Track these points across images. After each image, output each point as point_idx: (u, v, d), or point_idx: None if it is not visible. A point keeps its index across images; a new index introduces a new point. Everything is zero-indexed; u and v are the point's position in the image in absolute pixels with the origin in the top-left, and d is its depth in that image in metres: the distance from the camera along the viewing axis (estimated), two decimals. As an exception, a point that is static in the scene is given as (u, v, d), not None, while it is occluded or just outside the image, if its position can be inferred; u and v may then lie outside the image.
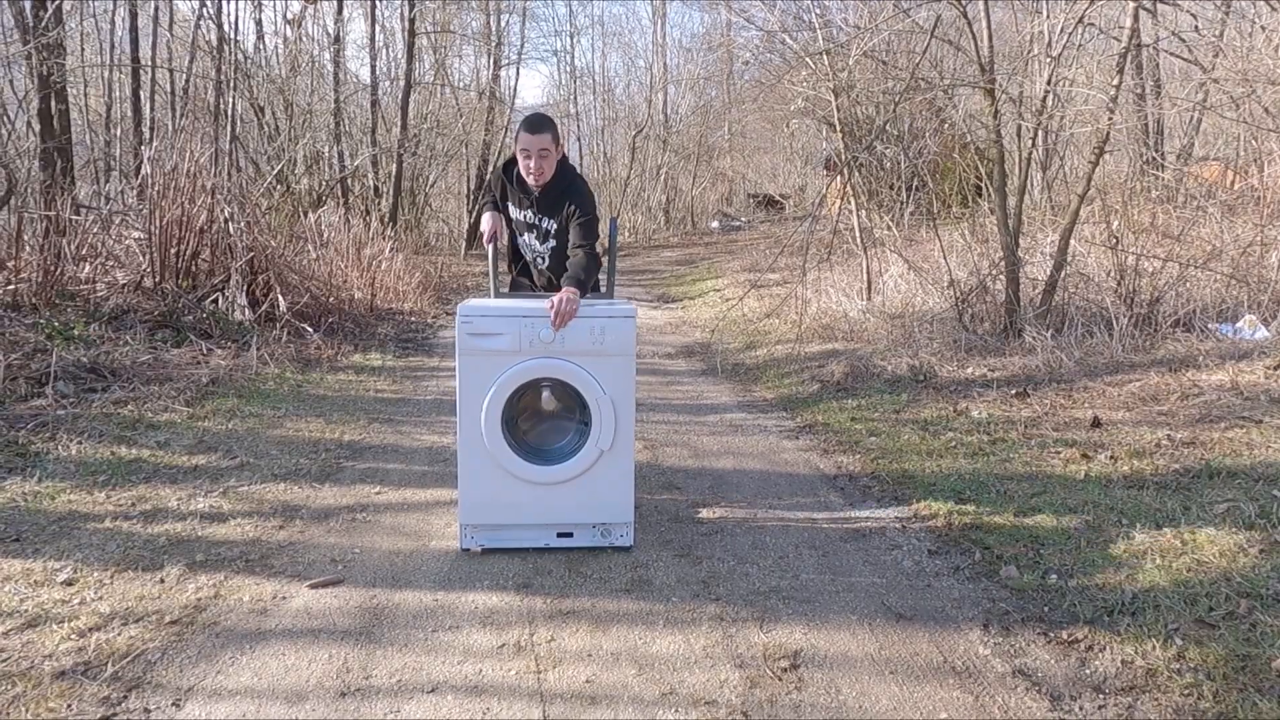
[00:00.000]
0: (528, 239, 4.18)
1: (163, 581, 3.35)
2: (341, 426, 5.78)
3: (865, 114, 14.57)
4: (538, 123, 3.91)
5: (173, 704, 2.55)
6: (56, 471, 4.55)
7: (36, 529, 3.83)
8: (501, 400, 3.57)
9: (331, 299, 9.92)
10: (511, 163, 4.04)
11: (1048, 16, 9.96)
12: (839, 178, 12.53)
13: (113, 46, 17.42)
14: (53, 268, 7.63)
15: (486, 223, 4.08)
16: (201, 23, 15.89)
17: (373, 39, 21.12)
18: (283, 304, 8.73)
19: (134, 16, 15.29)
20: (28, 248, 7.95)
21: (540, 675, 2.73)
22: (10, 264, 7.63)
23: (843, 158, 11.92)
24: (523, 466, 3.63)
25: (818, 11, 12.89)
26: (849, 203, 11.55)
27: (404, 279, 12.68)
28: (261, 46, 20.84)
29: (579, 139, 35.65)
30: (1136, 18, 7.43)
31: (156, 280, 8.18)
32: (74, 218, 8.80)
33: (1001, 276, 7.79)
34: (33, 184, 11.06)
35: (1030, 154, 8.86)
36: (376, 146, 20.21)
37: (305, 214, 13.12)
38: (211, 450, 5.10)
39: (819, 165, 23.54)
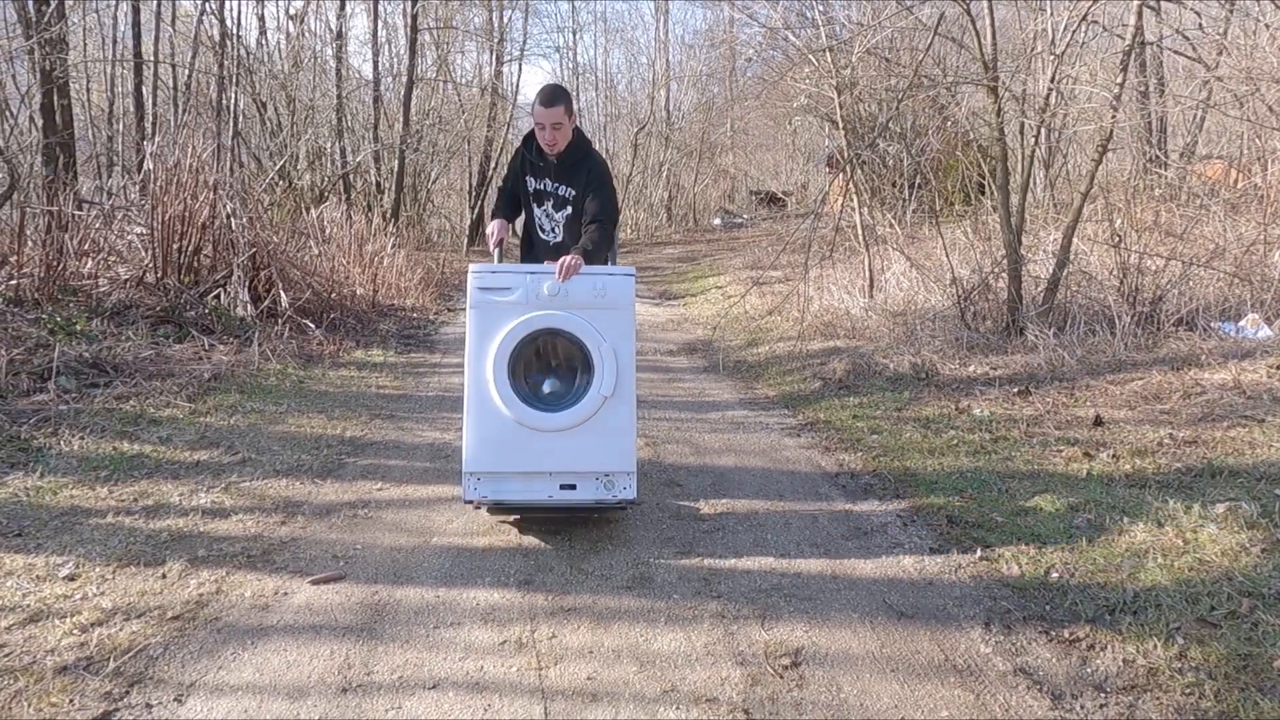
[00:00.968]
0: (547, 209, 4.33)
1: (165, 577, 3.36)
2: (343, 422, 5.79)
3: (868, 111, 14.57)
4: (550, 96, 4.15)
5: (175, 699, 2.56)
6: (59, 467, 4.56)
7: (39, 524, 3.84)
8: (509, 349, 3.70)
9: (333, 295, 9.92)
10: (532, 135, 4.29)
11: (1051, 14, 9.94)
12: (841, 175, 12.52)
13: (115, 41, 17.44)
14: (55, 263, 7.63)
15: (494, 230, 4.34)
16: (204, 18, 15.89)
17: (375, 35, 21.13)
18: (285, 300, 8.74)
19: (136, 12, 15.29)
20: (30, 243, 7.95)
21: (541, 672, 2.73)
22: (13, 259, 7.63)
23: (845, 155, 11.91)
24: (527, 412, 3.71)
25: (821, 8, 12.88)
26: (851, 200, 11.54)
27: (406, 275, 12.69)
28: (264, 42, 20.83)
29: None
30: (1140, 15, 7.42)
31: (159, 275, 8.18)
32: (76, 213, 8.79)
33: (1004, 274, 7.78)
34: (35, 179, 11.07)
35: (1033, 152, 8.85)
36: (379, 142, 20.22)
37: (307, 210, 13.13)
38: (213, 446, 5.10)
39: (821, 162, 23.53)
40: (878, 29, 10.01)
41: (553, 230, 4.33)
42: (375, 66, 21.03)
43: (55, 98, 11.51)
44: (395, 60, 24.33)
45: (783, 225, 21.40)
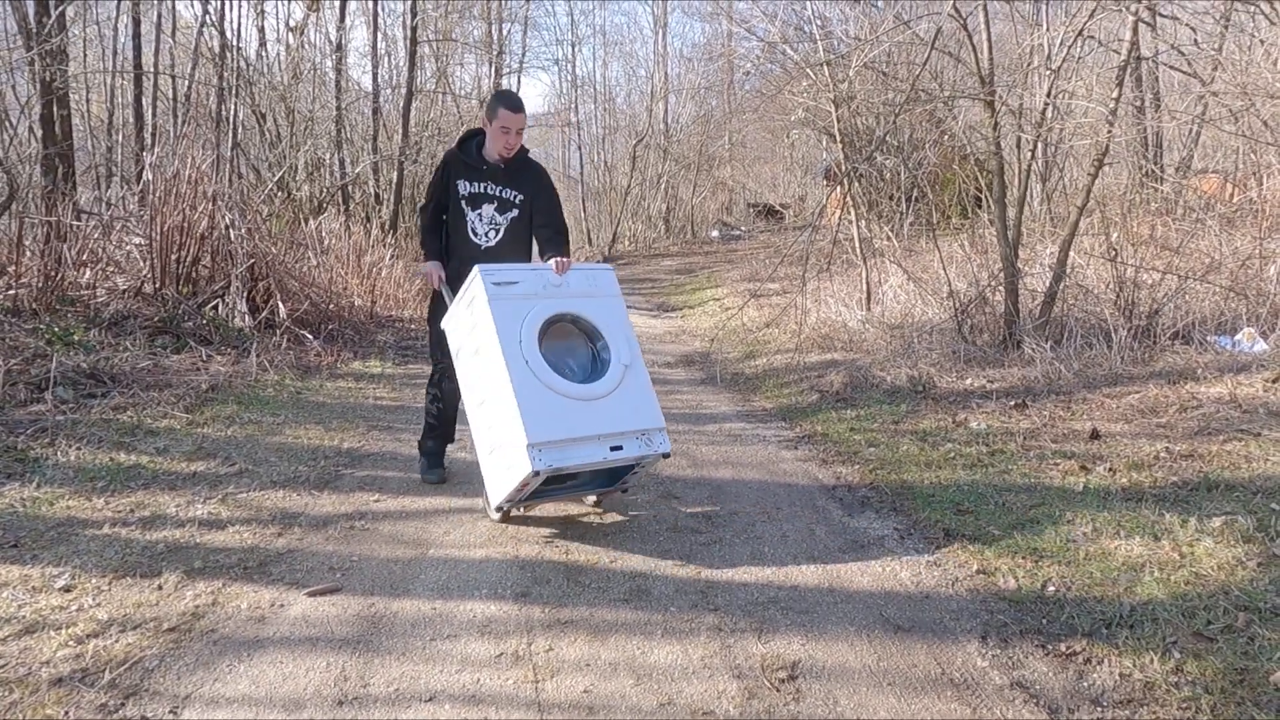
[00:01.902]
0: (484, 212, 4.39)
1: (161, 588, 3.35)
2: (340, 434, 5.79)
3: (865, 125, 14.63)
4: (519, 102, 4.35)
5: (170, 712, 2.55)
6: (55, 477, 4.55)
7: (35, 535, 3.83)
8: (534, 332, 3.94)
9: (331, 306, 9.93)
10: (469, 139, 4.43)
11: (1047, 29, 10.00)
12: (839, 188, 12.56)
13: (115, 52, 17.48)
14: (53, 273, 7.63)
15: (431, 270, 4.50)
16: (204, 30, 15.93)
17: (375, 47, 21.17)
18: (283, 311, 8.74)
19: (137, 23, 15.34)
20: (28, 253, 7.95)
21: (538, 685, 2.72)
22: (11, 269, 7.63)
23: (843, 168, 11.95)
24: (568, 385, 3.96)
25: (818, 23, 12.95)
26: (849, 213, 11.58)
27: (404, 286, 12.70)
28: (264, 53, 20.87)
29: (580, 147, 35.75)
30: (1136, 31, 7.46)
31: (157, 286, 8.18)
32: (75, 223, 8.80)
33: (1001, 288, 7.80)
34: (34, 189, 11.07)
35: (1030, 166, 8.88)
36: (378, 154, 20.24)
37: (306, 221, 13.12)
38: (210, 457, 5.10)
39: (819, 175, 23.60)
40: (875, 43, 10.05)
41: (487, 235, 4.39)
42: (375, 78, 21.09)
43: (55, 108, 11.53)
44: (394, 72, 24.39)
45: (780, 238, 21.46)
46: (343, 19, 20.37)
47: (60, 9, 11.74)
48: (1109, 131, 7.40)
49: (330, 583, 3.46)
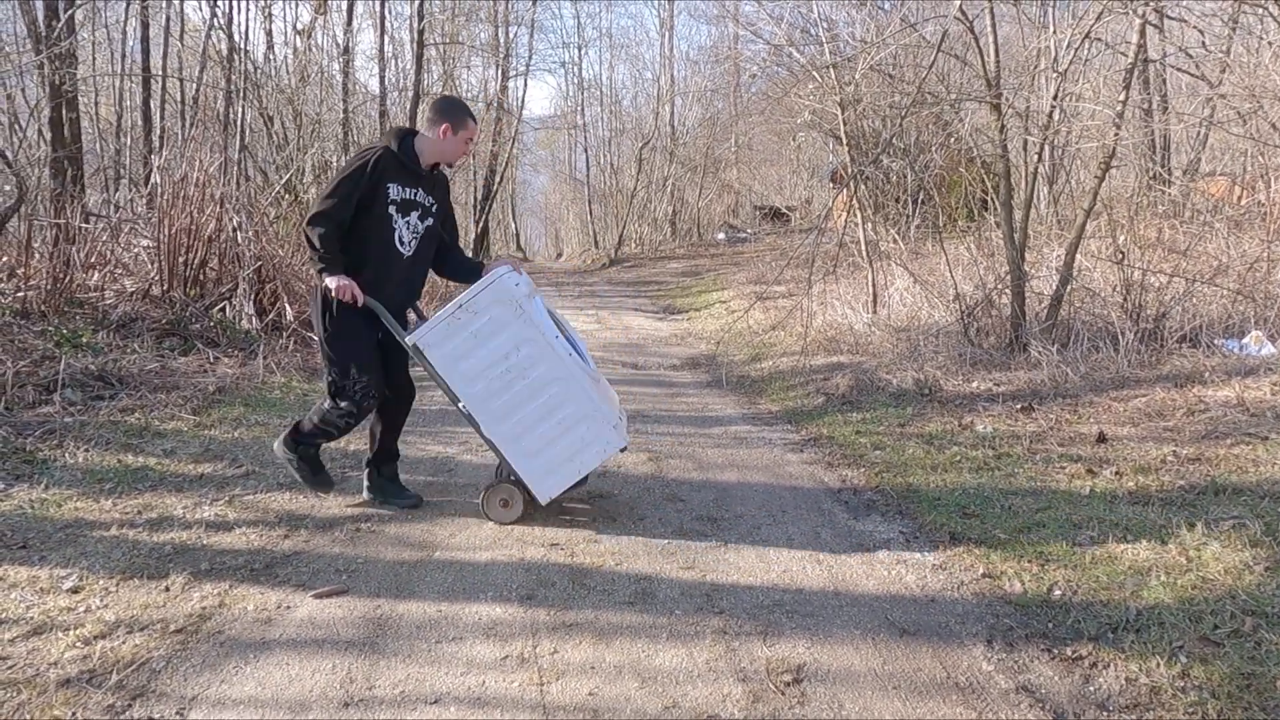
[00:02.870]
0: (411, 219, 4.20)
1: (168, 590, 3.36)
2: (346, 436, 5.79)
3: (872, 127, 14.62)
4: (474, 111, 4.32)
5: (177, 713, 2.56)
6: (63, 479, 4.57)
7: (43, 536, 3.85)
8: (554, 324, 4.14)
9: (338, 308, 9.93)
10: (409, 140, 4.18)
11: (1054, 32, 9.99)
12: (845, 190, 12.55)
13: (124, 56, 17.56)
14: (62, 275, 7.67)
15: (349, 285, 4.00)
16: (212, 33, 16.00)
17: (381, 50, 21.23)
18: (290, 313, 8.77)
19: (145, 26, 15.41)
20: (37, 255, 8.00)
21: (543, 687, 2.73)
22: (20, 271, 7.68)
23: (849, 171, 11.95)
24: (597, 372, 4.26)
25: (825, 25, 12.95)
26: (855, 215, 11.57)
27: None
28: (271, 56, 20.97)
29: (586, 150, 35.79)
30: (1143, 33, 7.44)
31: (164, 288, 8.22)
32: (83, 226, 8.84)
33: (1007, 291, 7.79)
34: (43, 192, 11.13)
35: (1036, 168, 8.87)
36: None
37: (313, 223, 13.14)
38: (217, 459, 5.12)
39: (825, 178, 23.59)
40: (881, 46, 10.06)
41: (410, 242, 4.21)
42: (381, 81, 21.14)
43: (64, 111, 11.60)
44: (401, 75, 24.51)
45: (786, 240, 21.46)
46: (350, 22, 20.47)
47: (69, 13, 11.81)
48: (1116, 134, 7.38)
49: (336, 585, 3.47)
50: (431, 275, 4.62)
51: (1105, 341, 7.10)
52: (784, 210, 29.03)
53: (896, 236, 12.85)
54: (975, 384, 6.87)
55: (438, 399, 7.21)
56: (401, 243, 4.17)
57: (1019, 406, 6.12)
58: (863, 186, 13.56)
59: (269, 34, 21.07)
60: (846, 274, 12.01)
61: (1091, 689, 2.70)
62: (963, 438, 5.63)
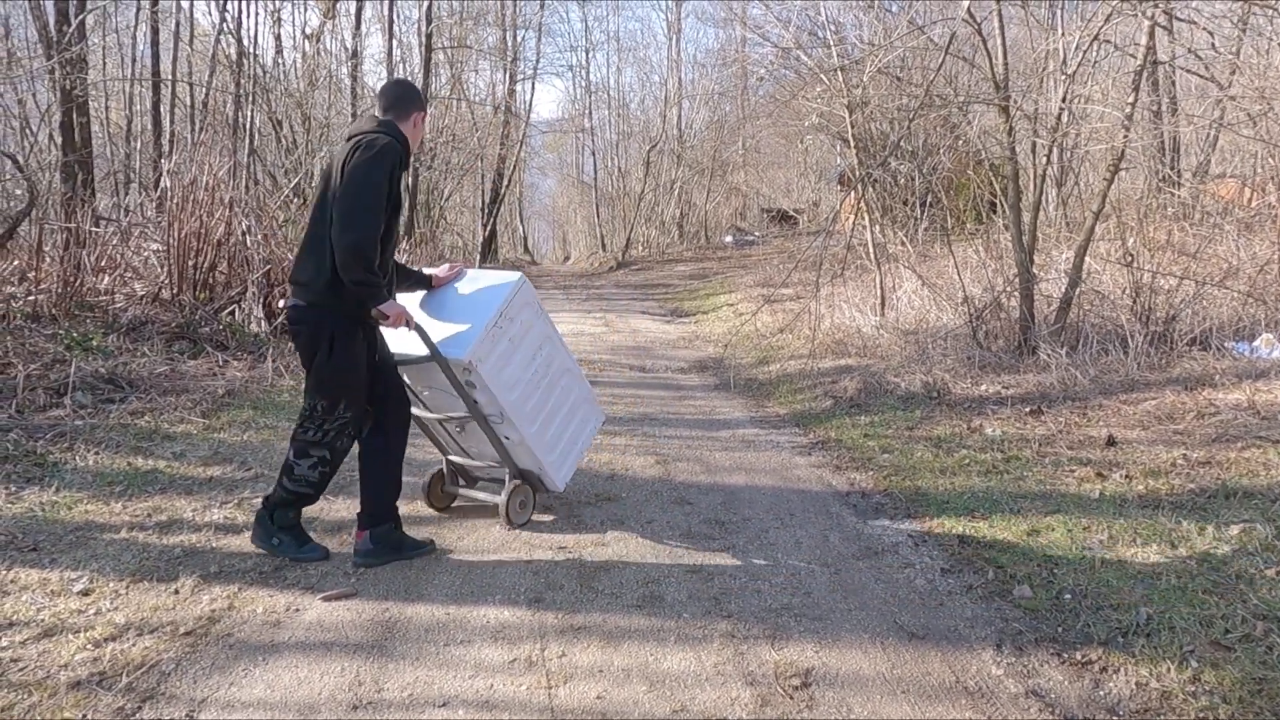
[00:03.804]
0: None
1: (177, 593, 3.38)
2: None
3: (879, 130, 14.59)
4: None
5: (186, 715, 2.57)
6: (74, 481, 4.59)
7: (53, 539, 3.87)
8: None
9: (347, 311, 9.96)
10: (396, 128, 3.69)
11: (1063, 34, 9.97)
12: (853, 193, 12.54)
13: (134, 60, 17.68)
14: (72, 279, 7.71)
15: (404, 312, 3.64)
16: (221, 37, 16.07)
17: (390, 54, 21.32)
18: (298, 316, 8.78)
19: (155, 31, 15.52)
20: (48, 259, 8.05)
21: (551, 691, 2.73)
22: (31, 275, 7.72)
23: (857, 173, 11.93)
24: None
25: (832, 28, 12.93)
26: (863, 218, 11.55)
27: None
28: (280, 61, 21.05)
29: (594, 153, 35.82)
30: (1152, 35, 7.42)
31: (174, 292, 8.25)
32: (94, 230, 8.90)
33: (1016, 293, 7.77)
34: (54, 196, 11.20)
35: (1045, 171, 8.86)
36: (392, 160, 20.31)
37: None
38: (226, 461, 5.13)
39: (833, 180, 23.55)
40: (889, 49, 10.03)
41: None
42: (390, 85, 21.19)
43: (74, 116, 11.67)
44: (410, 79, 24.55)
45: (794, 243, 21.42)
46: (358, 26, 20.54)
47: (80, 18, 11.88)
48: (1125, 136, 7.36)
49: (345, 588, 3.47)
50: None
51: (1115, 344, 7.07)
52: (792, 213, 28.97)
53: (904, 239, 12.83)
54: (984, 387, 6.85)
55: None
56: (395, 244, 3.85)
57: (1028, 409, 6.10)
58: (870, 189, 13.53)
59: (278, 38, 21.15)
60: (854, 277, 11.98)
61: (1102, 694, 2.69)
62: (971, 441, 5.61)
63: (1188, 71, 10.57)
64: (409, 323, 3.65)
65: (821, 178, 27.57)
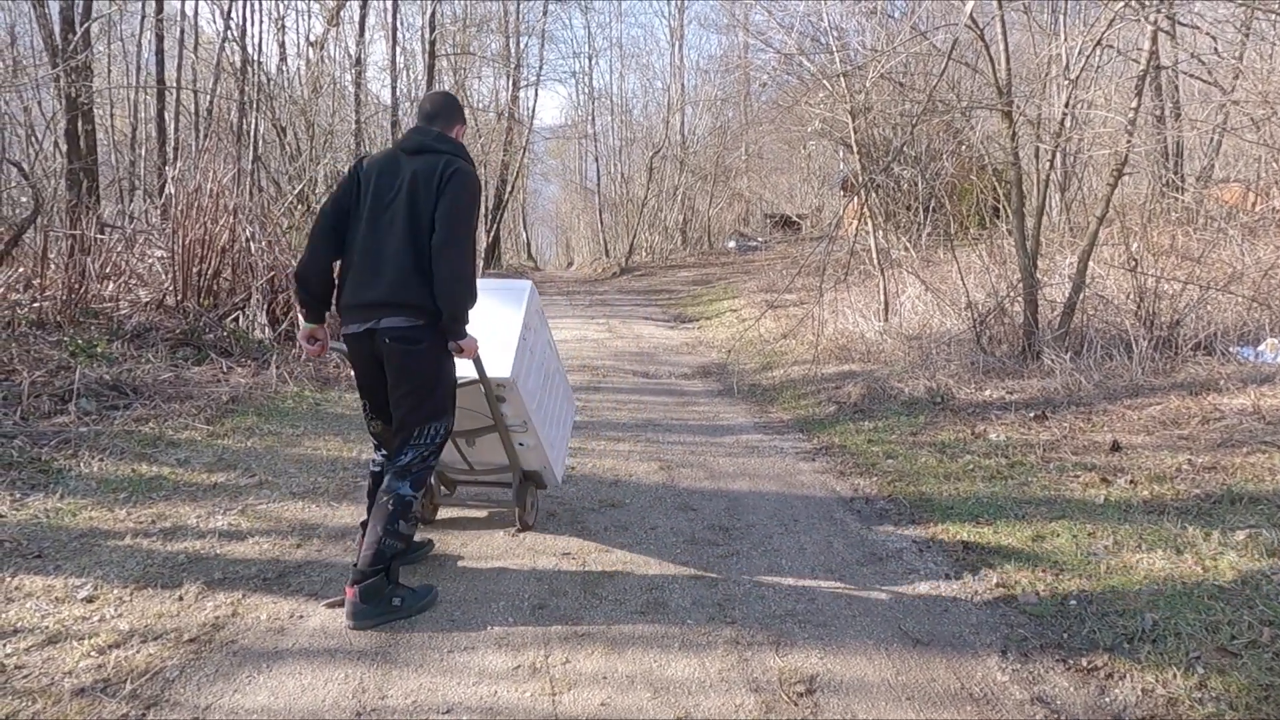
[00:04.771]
0: None
1: (181, 599, 3.38)
2: (359, 445, 5.81)
3: (882, 135, 14.61)
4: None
5: (190, 722, 2.57)
6: (78, 488, 4.60)
7: (58, 546, 3.87)
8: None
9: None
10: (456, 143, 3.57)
11: (1066, 39, 9.95)
12: (856, 198, 12.54)
13: (139, 68, 17.75)
14: (77, 286, 7.73)
15: (474, 345, 3.50)
16: (226, 45, 16.14)
17: (393, 61, 21.35)
18: (302, 323, 8.80)
19: (160, 39, 15.57)
20: (53, 266, 8.07)
21: (555, 697, 2.72)
22: (36, 282, 7.74)
23: (860, 179, 11.94)
24: None
25: (835, 34, 12.96)
26: (866, 223, 11.56)
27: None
28: (284, 68, 21.14)
29: (597, 159, 35.89)
30: (1155, 40, 7.43)
31: (178, 299, 8.27)
32: (98, 237, 8.92)
33: (1019, 298, 7.76)
34: (59, 203, 11.25)
35: (1048, 176, 8.84)
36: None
37: (325, 233, 13.21)
38: (230, 468, 5.14)
39: (836, 186, 23.57)
40: (892, 54, 10.04)
41: None
42: (393, 92, 21.26)
43: (79, 123, 11.73)
44: (413, 86, 24.60)
45: (797, 248, 21.44)
46: (362, 34, 20.59)
47: (85, 26, 11.93)
48: (1128, 141, 7.35)
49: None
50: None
51: (1119, 349, 7.07)
52: (795, 218, 28.99)
53: (908, 244, 12.83)
54: (988, 392, 6.84)
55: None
56: None
57: (1032, 415, 6.09)
58: (874, 194, 13.54)
59: (282, 46, 21.25)
60: (858, 282, 11.99)
61: (1107, 700, 2.68)
62: (975, 446, 5.60)
63: (1191, 76, 10.57)
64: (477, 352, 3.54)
65: (824, 183, 27.60)
